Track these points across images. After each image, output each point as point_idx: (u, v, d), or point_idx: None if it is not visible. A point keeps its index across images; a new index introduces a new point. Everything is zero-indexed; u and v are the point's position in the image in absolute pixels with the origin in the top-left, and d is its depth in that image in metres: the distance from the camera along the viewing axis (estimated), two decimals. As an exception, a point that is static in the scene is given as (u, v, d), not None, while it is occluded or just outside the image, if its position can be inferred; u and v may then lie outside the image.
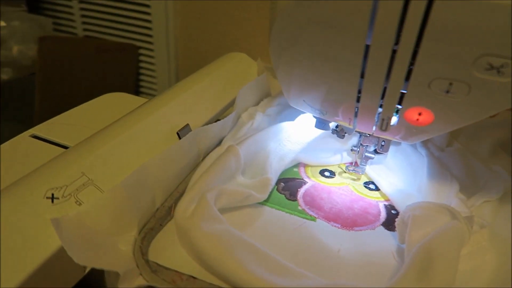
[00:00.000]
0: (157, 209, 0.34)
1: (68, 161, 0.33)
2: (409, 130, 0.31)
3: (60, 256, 0.28)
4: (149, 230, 0.32)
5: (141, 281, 0.27)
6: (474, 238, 0.31)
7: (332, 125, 0.39)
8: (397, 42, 0.25)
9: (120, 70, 1.11)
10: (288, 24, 0.29)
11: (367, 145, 0.41)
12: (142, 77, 1.18)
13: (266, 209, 0.37)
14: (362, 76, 0.29)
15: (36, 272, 0.26)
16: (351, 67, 0.28)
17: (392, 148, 0.41)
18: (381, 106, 0.31)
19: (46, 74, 0.97)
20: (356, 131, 0.38)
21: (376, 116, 0.32)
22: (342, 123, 0.35)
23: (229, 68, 0.57)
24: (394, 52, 0.26)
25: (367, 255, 0.33)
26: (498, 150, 0.42)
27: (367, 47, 0.26)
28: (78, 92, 1.02)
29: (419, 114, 0.29)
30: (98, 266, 0.26)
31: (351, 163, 0.43)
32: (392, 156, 0.42)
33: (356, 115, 0.33)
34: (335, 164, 0.44)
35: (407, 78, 0.27)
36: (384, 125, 0.31)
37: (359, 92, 0.30)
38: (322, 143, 0.43)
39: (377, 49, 0.26)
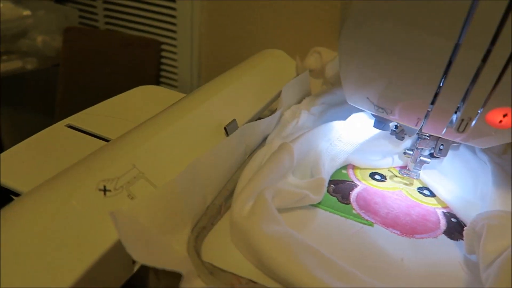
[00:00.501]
0: (208, 207, 0.32)
1: (118, 153, 0.31)
2: (487, 133, 0.29)
3: (112, 254, 0.26)
4: (201, 229, 0.30)
5: (199, 283, 0.25)
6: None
7: (391, 125, 0.37)
8: (493, 42, 0.23)
9: (142, 65, 1.09)
10: (365, 21, 0.27)
11: (422, 149, 0.38)
12: (163, 73, 1.17)
13: (320, 211, 0.35)
14: (443, 76, 0.27)
15: (88, 270, 0.24)
16: (434, 67, 0.26)
17: (449, 153, 0.39)
18: (457, 108, 0.29)
19: (70, 65, 0.96)
20: (417, 134, 0.36)
21: (452, 118, 0.30)
22: (407, 124, 0.33)
23: (268, 65, 0.55)
24: (488, 52, 0.24)
25: (433, 265, 0.30)
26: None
27: (456, 46, 0.24)
28: (99, 84, 1.01)
29: (504, 115, 0.27)
30: (159, 265, 0.24)
31: (402, 167, 0.41)
32: (449, 161, 0.39)
33: (426, 115, 0.31)
34: (385, 167, 0.42)
35: (499, 78, 0.24)
36: (462, 126, 0.29)
37: (436, 93, 0.28)
38: (373, 145, 0.41)
39: (469, 49, 0.24)
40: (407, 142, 0.41)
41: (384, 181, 0.40)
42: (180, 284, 0.24)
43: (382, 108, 0.33)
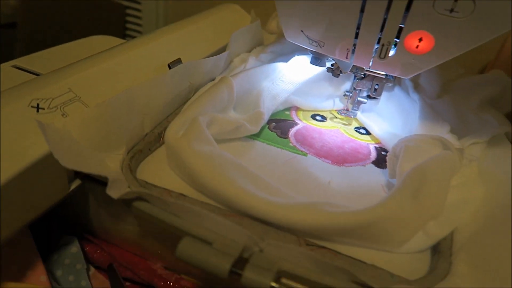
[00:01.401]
0: (146, 134, 0.33)
1: (54, 77, 0.31)
2: (407, 61, 0.31)
3: (42, 167, 0.26)
4: (137, 152, 0.31)
5: (129, 193, 0.27)
6: (463, 171, 0.31)
7: (327, 63, 0.39)
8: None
9: (106, 29, 1.08)
10: None
11: (360, 90, 0.40)
12: (128, 39, 1.15)
13: (258, 143, 0.36)
14: (362, 10, 0.29)
15: (15, 177, 0.25)
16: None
17: (384, 94, 0.41)
18: (379, 40, 0.30)
19: (29, 25, 0.93)
20: (350, 72, 0.38)
21: (374, 50, 0.31)
22: (338, 57, 0.34)
23: (222, 17, 0.56)
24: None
25: (357, 187, 0.33)
26: (486, 104, 0.42)
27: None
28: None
29: (420, 40, 0.29)
30: (85, 170, 0.25)
31: (343, 109, 0.43)
32: (384, 103, 0.42)
33: (354, 49, 0.32)
34: (327, 109, 0.44)
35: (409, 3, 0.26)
36: (383, 52, 0.30)
37: (359, 25, 0.30)
38: (315, 87, 0.43)
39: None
40: (347, 85, 0.43)
41: (325, 121, 0.42)
42: (106, 190, 0.25)
43: (315, 42, 0.34)
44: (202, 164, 0.28)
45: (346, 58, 0.34)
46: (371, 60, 0.33)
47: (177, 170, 0.30)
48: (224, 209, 0.27)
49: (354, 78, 0.39)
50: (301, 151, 0.36)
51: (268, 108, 0.38)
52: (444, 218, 0.27)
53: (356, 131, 0.41)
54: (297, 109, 0.43)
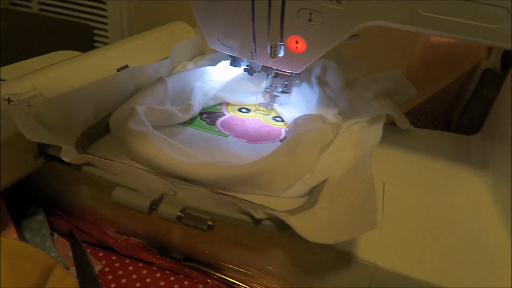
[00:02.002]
0: (98, 122, 0.42)
1: (23, 79, 0.41)
2: (293, 59, 0.41)
3: (11, 144, 0.35)
4: (89, 134, 0.40)
5: (78, 158, 0.35)
6: (339, 141, 0.41)
7: (243, 65, 0.49)
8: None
9: (73, 48, 1.16)
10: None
11: (275, 86, 0.51)
12: (96, 57, 1.23)
13: (189, 129, 0.46)
14: (253, 20, 0.39)
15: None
16: (245, 12, 0.38)
17: (294, 89, 0.51)
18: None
19: (4, 46, 1.01)
20: (262, 71, 0.48)
21: (268, 51, 0.42)
22: (246, 58, 0.44)
23: (170, 32, 0.66)
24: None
25: (261, 157, 0.42)
26: (381, 95, 0.53)
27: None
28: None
29: (296, 42, 0.39)
30: (45, 141, 0.34)
31: (263, 103, 0.53)
32: (295, 96, 0.52)
33: (256, 50, 0.43)
34: (251, 103, 0.54)
35: (283, 12, 0.36)
36: (273, 52, 0.40)
37: (254, 30, 0.40)
38: (240, 85, 0.53)
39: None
40: (266, 83, 0.53)
41: (248, 112, 0.52)
42: (60, 155, 0.34)
43: (229, 47, 0.44)
44: (136, 138, 0.37)
45: (253, 59, 0.44)
46: (269, 59, 0.43)
47: (119, 145, 0.39)
48: (151, 170, 0.36)
49: (268, 76, 0.49)
50: (224, 133, 0.46)
51: (199, 102, 0.48)
52: (318, 172, 0.37)
53: (274, 119, 0.51)
54: (227, 104, 0.53)
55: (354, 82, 0.57)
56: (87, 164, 0.35)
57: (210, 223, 0.31)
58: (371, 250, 0.34)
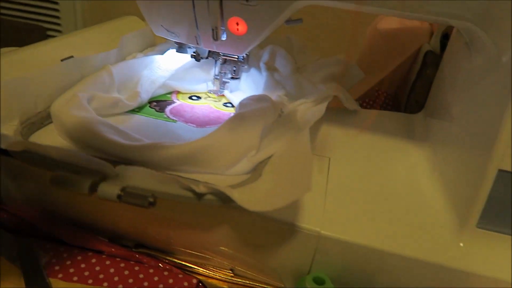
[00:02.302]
0: (39, 112, 0.41)
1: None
2: (235, 41, 0.42)
3: None
4: (30, 123, 0.39)
5: (16, 143, 0.34)
6: (284, 119, 0.41)
7: (190, 51, 0.49)
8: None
9: (27, 50, 1.13)
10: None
11: (224, 73, 0.51)
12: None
13: (137, 116, 0.46)
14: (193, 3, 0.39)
15: None
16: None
17: (243, 75, 0.52)
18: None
19: None
20: (210, 57, 0.48)
21: (211, 34, 0.42)
22: (190, 43, 0.45)
23: (120, 25, 0.65)
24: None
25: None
26: (328, 79, 0.55)
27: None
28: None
29: (237, 24, 0.39)
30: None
31: (214, 90, 0.53)
32: (244, 81, 0.52)
33: (199, 35, 0.43)
34: (202, 91, 0.54)
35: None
36: (215, 35, 0.41)
37: (195, 14, 0.40)
38: (190, 73, 0.53)
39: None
40: (214, 70, 0.53)
41: (199, 100, 0.52)
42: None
43: (173, 33, 0.44)
44: (77, 123, 0.37)
45: (198, 43, 0.44)
46: (213, 43, 0.43)
47: (60, 131, 0.38)
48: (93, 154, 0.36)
49: (216, 63, 0.50)
50: (172, 119, 0.46)
51: (147, 90, 0.48)
52: (263, 149, 0.38)
53: (224, 105, 0.52)
54: (178, 92, 0.53)
55: (303, 68, 0.59)
56: (27, 151, 0.34)
57: (151, 199, 0.31)
58: (314, 219, 0.35)
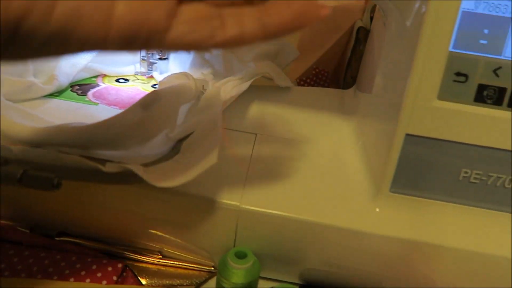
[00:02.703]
0: None
1: None
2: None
3: None
4: None
5: None
6: (207, 97, 0.41)
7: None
8: None
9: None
10: None
11: (151, 53, 0.50)
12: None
13: (55, 100, 0.43)
14: None
15: None
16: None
17: (172, 55, 0.51)
18: None
19: None
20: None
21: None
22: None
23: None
24: None
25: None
26: (261, 58, 0.54)
27: None
28: None
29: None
30: None
31: (141, 72, 0.52)
32: (173, 62, 0.51)
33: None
34: (130, 74, 0.52)
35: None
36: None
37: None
38: (115, 55, 0.51)
39: None
40: (143, 52, 0.52)
41: (126, 82, 0.50)
42: None
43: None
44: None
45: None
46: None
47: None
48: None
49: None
50: (93, 102, 0.44)
51: (66, 73, 0.46)
52: (184, 126, 0.37)
53: (153, 87, 0.50)
54: (104, 76, 0.51)
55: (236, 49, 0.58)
56: None
57: (55, 182, 0.29)
58: (234, 193, 0.35)
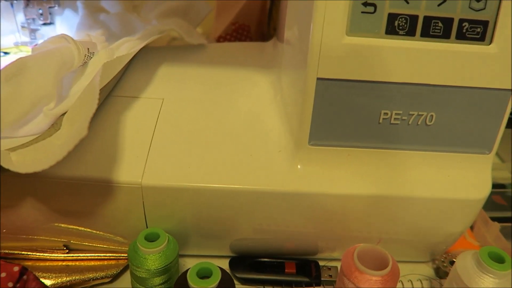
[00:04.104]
0: None
1: None
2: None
3: None
4: None
5: None
6: (96, 61, 0.35)
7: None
8: None
9: None
10: None
11: (33, 19, 0.42)
12: None
13: None
14: None
15: None
16: None
17: (58, 19, 0.43)
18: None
19: None
20: (7, 1, 0.39)
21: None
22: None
23: None
24: None
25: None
26: (168, 15, 0.48)
27: None
28: None
29: None
30: None
31: (24, 42, 0.44)
32: (60, 26, 0.44)
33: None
34: (12, 46, 0.45)
35: None
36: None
37: None
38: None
39: None
40: (21, 17, 0.44)
41: (7, 56, 0.43)
42: None
43: None
44: None
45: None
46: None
47: None
48: None
49: (13, 7, 0.40)
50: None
51: None
52: (68, 98, 0.31)
53: (40, 58, 0.43)
54: (-21, 50, 0.43)
55: (141, 6, 0.51)
56: None
57: None
58: (135, 170, 0.30)
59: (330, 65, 0.28)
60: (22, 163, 0.25)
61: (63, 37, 0.34)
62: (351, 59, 0.28)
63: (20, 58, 0.30)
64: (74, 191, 0.31)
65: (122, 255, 0.35)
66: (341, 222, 0.32)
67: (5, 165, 0.24)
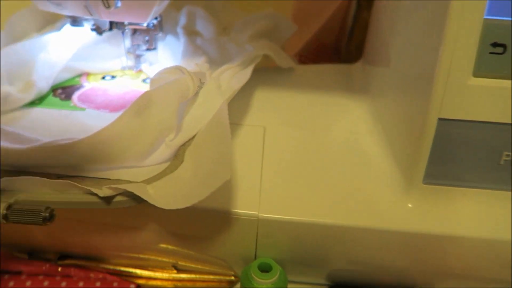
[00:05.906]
0: None
1: None
2: (133, 7, 0.35)
3: None
4: None
5: None
6: (206, 91, 0.36)
7: (86, 24, 0.42)
8: None
9: None
10: None
11: (138, 45, 0.45)
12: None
13: (36, 109, 0.39)
14: None
15: None
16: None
17: (160, 44, 0.46)
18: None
19: None
20: (115, 28, 0.42)
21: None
22: (83, 14, 0.38)
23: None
24: None
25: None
26: (257, 37, 0.49)
27: None
28: None
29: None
30: None
31: (128, 66, 0.47)
32: (162, 51, 0.46)
33: (89, 5, 0.36)
34: (116, 69, 0.47)
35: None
36: (106, 2, 0.34)
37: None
38: (97, 49, 0.46)
39: None
40: (126, 42, 0.47)
41: (114, 79, 0.46)
42: None
43: (59, 5, 0.37)
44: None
45: (91, 14, 0.37)
46: (108, 12, 0.36)
47: None
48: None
49: (123, 34, 0.43)
50: (79, 107, 0.39)
51: (46, 76, 0.41)
52: (184, 130, 0.33)
53: (144, 82, 0.45)
54: (88, 74, 0.46)
55: (230, 28, 0.53)
56: None
57: (45, 214, 0.25)
58: (251, 202, 0.31)
59: (453, 106, 0.28)
60: (160, 197, 0.26)
61: (178, 68, 0.36)
62: (475, 101, 0.28)
63: (147, 91, 0.32)
64: (189, 218, 0.32)
65: (224, 277, 0.36)
66: (455, 263, 0.32)
67: (144, 197, 0.26)
